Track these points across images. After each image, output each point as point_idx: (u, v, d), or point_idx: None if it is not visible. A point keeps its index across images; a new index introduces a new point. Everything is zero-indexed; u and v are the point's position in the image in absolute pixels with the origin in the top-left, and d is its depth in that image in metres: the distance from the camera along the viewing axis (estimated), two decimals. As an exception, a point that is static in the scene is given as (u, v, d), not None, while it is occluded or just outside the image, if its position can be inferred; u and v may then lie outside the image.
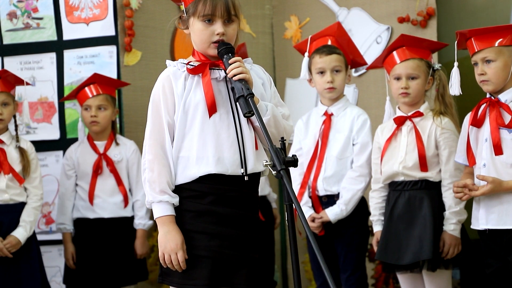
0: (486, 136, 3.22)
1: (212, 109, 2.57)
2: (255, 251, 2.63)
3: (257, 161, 2.60)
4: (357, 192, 3.73)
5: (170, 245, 2.53)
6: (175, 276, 2.58)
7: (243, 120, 2.60)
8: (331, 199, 3.78)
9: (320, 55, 3.80)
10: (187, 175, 2.58)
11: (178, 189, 2.59)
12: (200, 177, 2.56)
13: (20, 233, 3.86)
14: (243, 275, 2.58)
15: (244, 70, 2.54)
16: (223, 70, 2.60)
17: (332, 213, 3.71)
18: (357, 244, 3.75)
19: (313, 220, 3.74)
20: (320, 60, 3.80)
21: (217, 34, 2.58)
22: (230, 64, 2.54)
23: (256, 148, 2.61)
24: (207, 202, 2.57)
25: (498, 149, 3.17)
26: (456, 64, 3.31)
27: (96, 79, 4.20)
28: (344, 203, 3.71)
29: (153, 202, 2.57)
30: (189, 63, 2.63)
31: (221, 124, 2.58)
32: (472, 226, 3.32)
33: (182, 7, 2.68)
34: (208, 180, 2.56)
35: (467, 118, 3.35)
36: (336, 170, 3.77)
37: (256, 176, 2.64)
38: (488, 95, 3.29)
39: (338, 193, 3.76)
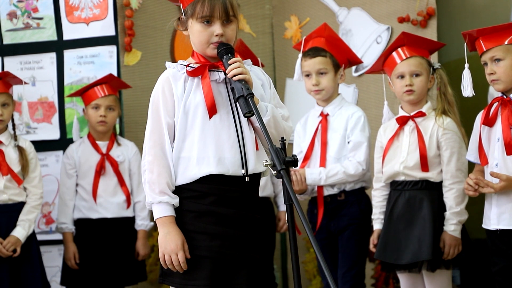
0: (498, 136, 3.22)
1: (212, 110, 2.57)
2: (256, 252, 2.64)
3: (258, 162, 2.60)
4: (344, 175, 3.71)
5: (170, 246, 2.53)
6: (175, 276, 2.58)
7: (244, 120, 2.60)
8: (334, 198, 3.78)
9: (305, 58, 3.85)
10: (187, 175, 2.58)
11: (179, 190, 2.59)
12: (201, 177, 2.56)
13: (19, 232, 3.86)
14: (244, 276, 2.58)
15: (244, 71, 2.54)
16: (222, 72, 2.60)
17: (310, 172, 3.72)
18: (357, 241, 3.75)
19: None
20: (305, 64, 3.84)
21: (216, 35, 2.58)
22: (230, 64, 2.54)
23: (257, 148, 2.61)
24: (208, 202, 2.57)
25: (510, 149, 3.16)
26: (467, 65, 3.30)
27: (109, 80, 4.21)
28: (327, 174, 3.71)
29: (153, 203, 2.57)
30: (189, 65, 2.63)
31: (221, 125, 2.58)
32: (483, 225, 3.32)
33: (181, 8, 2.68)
34: (209, 181, 2.56)
35: (479, 117, 3.35)
36: None
37: (256, 177, 2.64)
38: (500, 94, 3.28)
39: (340, 192, 3.77)
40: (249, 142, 2.60)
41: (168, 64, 2.69)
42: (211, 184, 2.56)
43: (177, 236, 2.54)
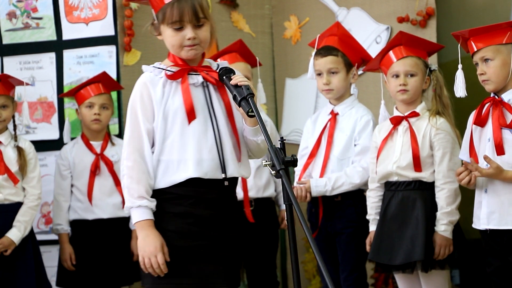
0: (489, 136, 3.22)
1: (191, 115, 2.60)
2: (232, 251, 2.68)
3: (236, 166, 2.64)
4: (349, 186, 3.72)
5: (149, 249, 2.57)
6: (152, 276, 2.61)
7: (222, 125, 2.64)
8: (331, 199, 3.78)
9: (316, 57, 3.85)
10: (167, 180, 2.62)
11: (159, 192, 2.63)
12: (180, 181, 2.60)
13: (14, 234, 3.85)
14: (221, 273, 2.63)
15: (247, 80, 2.59)
16: (200, 76, 2.64)
17: (315, 185, 3.71)
18: (356, 245, 3.74)
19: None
20: (317, 62, 3.84)
21: (188, 39, 2.61)
22: (231, 83, 2.58)
23: (239, 160, 2.65)
24: (186, 204, 2.61)
25: (500, 149, 3.16)
26: (460, 66, 3.30)
27: (102, 78, 4.20)
28: (333, 186, 3.70)
29: (131, 207, 2.61)
30: (167, 69, 2.65)
31: (199, 129, 2.62)
32: (473, 225, 3.32)
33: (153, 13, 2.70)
34: (187, 184, 2.60)
35: (472, 117, 3.35)
36: (336, 171, 3.76)
37: (234, 180, 2.69)
38: (492, 94, 3.29)
39: (337, 194, 3.76)
40: (227, 146, 2.64)
41: (144, 67, 2.72)
42: (189, 187, 2.60)
43: (155, 238, 2.57)
